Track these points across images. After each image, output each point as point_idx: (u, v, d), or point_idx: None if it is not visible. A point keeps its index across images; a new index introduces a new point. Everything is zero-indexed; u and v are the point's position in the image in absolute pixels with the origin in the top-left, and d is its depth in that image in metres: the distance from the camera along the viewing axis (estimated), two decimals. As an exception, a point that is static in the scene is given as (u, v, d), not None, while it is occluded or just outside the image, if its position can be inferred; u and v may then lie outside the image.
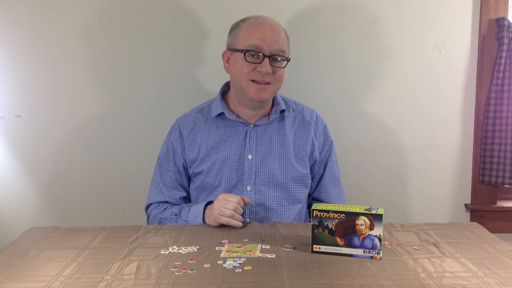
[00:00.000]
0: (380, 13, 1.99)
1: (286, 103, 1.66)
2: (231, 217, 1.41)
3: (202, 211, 1.48)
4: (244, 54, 1.50)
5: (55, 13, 1.92)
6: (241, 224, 1.41)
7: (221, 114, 1.60)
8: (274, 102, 1.63)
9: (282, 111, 1.63)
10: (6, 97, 1.94)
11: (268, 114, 1.61)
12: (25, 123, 1.96)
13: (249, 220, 1.56)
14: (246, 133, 1.60)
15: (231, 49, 1.56)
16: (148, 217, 1.67)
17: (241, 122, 1.60)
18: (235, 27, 1.58)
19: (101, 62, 1.96)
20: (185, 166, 1.63)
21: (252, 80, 1.51)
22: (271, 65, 1.50)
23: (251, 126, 1.60)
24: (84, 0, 1.92)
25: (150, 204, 1.66)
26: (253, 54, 1.50)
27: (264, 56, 1.49)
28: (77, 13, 1.92)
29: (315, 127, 1.67)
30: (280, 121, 1.63)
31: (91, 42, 1.94)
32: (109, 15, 1.93)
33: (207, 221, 1.48)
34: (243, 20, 1.57)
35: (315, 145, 1.65)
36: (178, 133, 1.64)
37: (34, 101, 1.96)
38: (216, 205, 1.43)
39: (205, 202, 1.51)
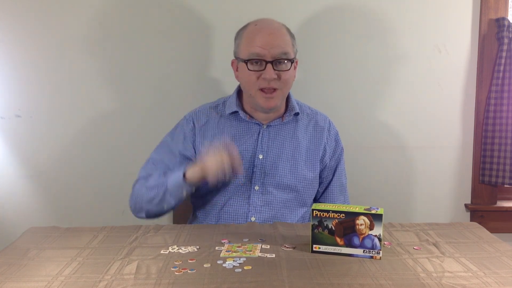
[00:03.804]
0: (380, 14, 1.99)
1: (300, 107, 1.65)
2: (223, 169, 1.38)
3: (183, 169, 1.46)
4: (246, 63, 1.49)
5: (55, 13, 1.92)
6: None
7: (235, 112, 1.60)
8: (288, 104, 1.62)
9: (296, 114, 1.62)
10: (6, 97, 1.94)
11: (282, 116, 1.61)
12: (25, 123, 1.96)
13: (254, 219, 1.56)
14: (259, 132, 1.59)
15: (237, 58, 1.57)
16: (132, 192, 1.59)
17: (254, 122, 1.60)
18: (237, 36, 1.57)
19: (101, 62, 1.96)
20: (195, 153, 1.60)
21: (260, 89, 1.50)
22: (275, 69, 1.48)
23: (264, 126, 1.60)
24: (85, 0, 1.92)
25: (138, 180, 1.59)
26: (256, 62, 1.49)
27: (267, 62, 1.48)
28: (78, 13, 1.92)
29: (327, 133, 1.66)
30: (294, 123, 1.63)
31: (91, 43, 1.94)
32: (110, 15, 1.94)
33: (189, 173, 1.44)
34: (244, 27, 1.56)
35: (327, 151, 1.65)
36: (192, 124, 1.61)
37: (34, 101, 1.96)
38: (206, 159, 1.41)
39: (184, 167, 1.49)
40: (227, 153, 1.39)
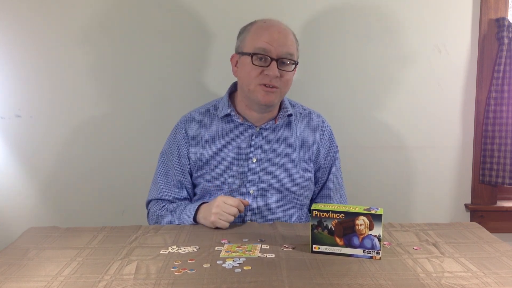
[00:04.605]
0: (380, 14, 1.99)
1: (293, 107, 1.65)
2: (230, 222, 1.41)
3: (194, 211, 1.48)
4: (251, 57, 1.48)
5: (56, 13, 1.92)
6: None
7: (228, 115, 1.59)
8: (281, 106, 1.62)
9: (289, 115, 1.61)
10: (6, 97, 1.94)
11: (275, 118, 1.60)
12: (25, 123, 1.96)
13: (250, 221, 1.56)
14: (252, 135, 1.58)
15: (239, 52, 1.55)
16: (148, 213, 1.67)
17: (247, 124, 1.59)
18: (243, 31, 1.57)
19: (102, 62, 1.96)
20: (190, 167, 1.61)
21: (260, 84, 1.49)
22: (278, 68, 1.48)
23: (257, 129, 1.59)
24: (85, 0, 1.92)
25: (150, 201, 1.66)
26: (261, 58, 1.48)
27: (272, 59, 1.48)
28: (78, 13, 1.92)
29: (321, 132, 1.65)
30: (287, 125, 1.62)
31: (91, 43, 1.94)
32: (110, 16, 1.94)
33: (201, 221, 1.46)
34: (251, 24, 1.56)
35: (321, 151, 1.64)
36: (184, 131, 1.61)
37: (34, 101, 1.96)
38: (215, 209, 1.42)
39: (200, 202, 1.51)
40: (236, 209, 1.43)
